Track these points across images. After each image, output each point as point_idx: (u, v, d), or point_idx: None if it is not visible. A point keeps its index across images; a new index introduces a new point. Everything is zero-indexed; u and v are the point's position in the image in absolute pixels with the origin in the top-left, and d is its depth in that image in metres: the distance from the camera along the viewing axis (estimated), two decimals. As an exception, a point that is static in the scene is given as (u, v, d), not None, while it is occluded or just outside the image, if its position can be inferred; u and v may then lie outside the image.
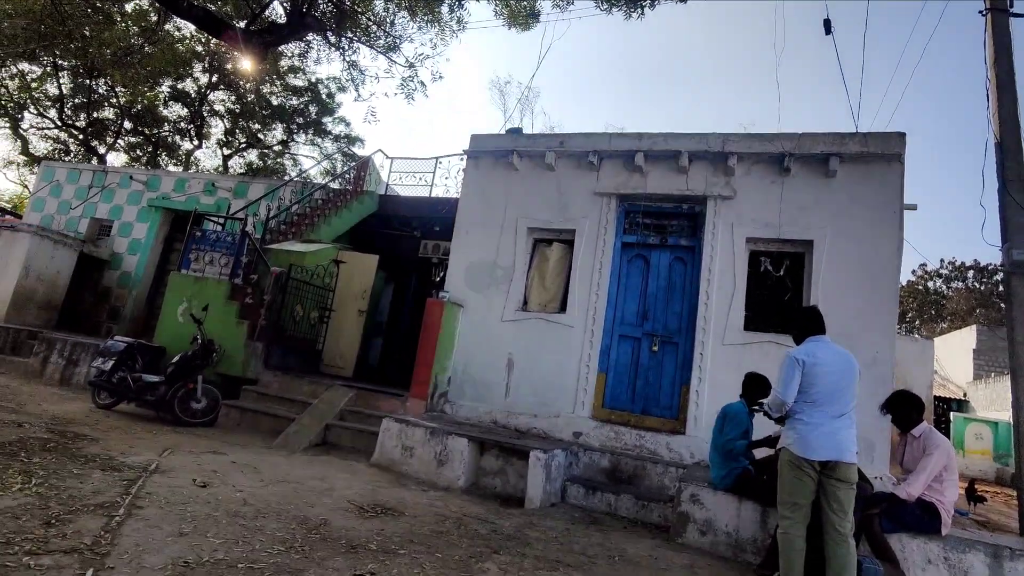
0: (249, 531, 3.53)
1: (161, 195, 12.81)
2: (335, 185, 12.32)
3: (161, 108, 22.07)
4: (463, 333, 7.66)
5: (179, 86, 21.83)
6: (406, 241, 11.83)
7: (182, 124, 23.61)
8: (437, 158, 12.46)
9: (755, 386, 5.05)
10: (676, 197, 7.23)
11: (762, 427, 5.02)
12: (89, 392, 7.44)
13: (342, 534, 3.78)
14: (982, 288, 32.90)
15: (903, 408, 4.30)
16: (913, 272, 35.17)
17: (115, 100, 20.84)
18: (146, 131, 22.95)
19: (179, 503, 3.85)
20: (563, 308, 7.42)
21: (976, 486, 9.50)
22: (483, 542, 4.11)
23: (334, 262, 9.36)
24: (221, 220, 9.19)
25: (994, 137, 5.90)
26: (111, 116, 21.94)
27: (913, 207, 7.21)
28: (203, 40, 19.10)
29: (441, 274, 8.36)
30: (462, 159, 8.53)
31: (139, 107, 20.51)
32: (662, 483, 5.99)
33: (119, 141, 22.98)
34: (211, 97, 23.83)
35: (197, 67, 21.21)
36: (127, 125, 22.43)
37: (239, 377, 7.91)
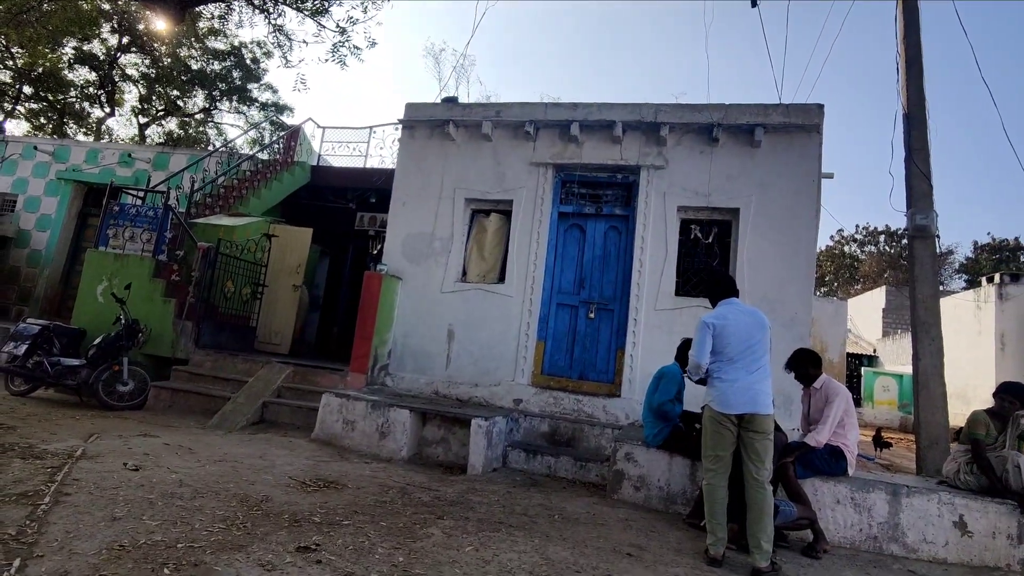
0: (188, 511, 3.48)
1: (72, 167, 11.95)
2: (264, 156, 11.84)
3: (65, 72, 20.36)
4: (402, 305, 7.63)
5: (85, 48, 20.17)
6: (341, 213, 11.57)
7: (90, 90, 21.91)
8: (371, 127, 12.18)
9: (688, 351, 5.28)
10: (611, 167, 7.37)
11: (695, 388, 5.30)
12: (1, 379, 7.00)
13: (284, 509, 3.77)
14: (892, 251, 35.28)
15: (803, 365, 4.65)
16: (831, 237, 37.29)
17: (11, 62, 19.07)
18: (49, 97, 21.18)
19: (110, 488, 3.73)
20: (502, 278, 7.50)
21: (882, 433, 10.34)
22: (427, 509, 4.20)
23: (265, 236, 9.06)
24: (141, 193, 8.69)
25: (902, 109, 6.30)
26: (7, 80, 20.10)
27: (830, 175, 7.65)
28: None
29: (378, 246, 8.25)
30: (397, 129, 8.38)
31: (40, 70, 18.85)
32: (599, 444, 6.24)
33: (18, 108, 21.14)
34: (122, 60, 22.18)
35: (105, 27, 19.63)
36: (27, 90, 20.63)
37: (168, 357, 7.63)
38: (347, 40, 11.20)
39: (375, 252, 9.53)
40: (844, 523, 4.50)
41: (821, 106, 6.73)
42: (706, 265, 7.01)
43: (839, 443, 4.53)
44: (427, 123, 8.02)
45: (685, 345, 5.27)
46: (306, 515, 3.70)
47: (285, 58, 12.51)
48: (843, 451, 4.53)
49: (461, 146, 7.90)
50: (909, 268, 6.11)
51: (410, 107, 8.18)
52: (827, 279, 38.05)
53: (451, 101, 8.15)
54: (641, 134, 7.25)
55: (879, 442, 10.12)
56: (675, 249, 6.99)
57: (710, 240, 7.05)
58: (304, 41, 12.11)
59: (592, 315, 7.19)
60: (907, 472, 6.73)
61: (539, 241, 7.37)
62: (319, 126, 12.49)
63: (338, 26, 11.26)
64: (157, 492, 3.77)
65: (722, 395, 3.87)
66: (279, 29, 11.47)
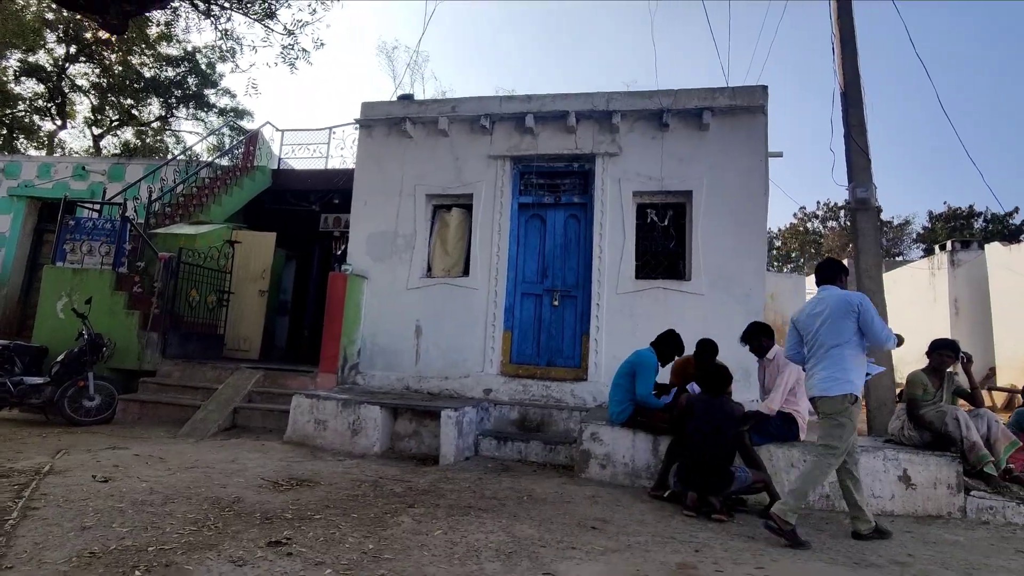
0: (158, 517, 3.53)
1: (23, 182, 11.67)
2: (224, 162, 11.72)
3: (11, 85, 19.79)
4: (369, 304, 7.69)
5: (31, 59, 19.63)
6: (305, 216, 11.52)
7: (40, 102, 21.32)
8: (331, 128, 12.12)
9: (668, 344, 5.31)
10: (567, 156, 7.51)
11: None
12: (-37, 402, 6.88)
13: (256, 508, 3.84)
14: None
15: (756, 337, 4.86)
16: (794, 215, 38.08)
17: (-47, 78, 18.49)
18: (-4, 112, 20.58)
19: (79, 500, 3.76)
20: (466, 272, 7.60)
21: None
22: (398, 499, 4.30)
23: (228, 243, 9.00)
24: (97, 206, 8.57)
25: (839, 87, 6.55)
26: (-50, 96, 19.47)
27: (779, 154, 7.90)
28: (53, 7, 17.21)
29: (343, 247, 8.28)
30: (356, 128, 8.39)
31: (-16, 85, 18.31)
32: (568, 427, 6.40)
33: (-36, 124, 20.49)
34: (71, 71, 21.62)
35: (50, 37, 19.12)
36: (-28, 106, 20.00)
37: (135, 370, 7.57)
38: (295, 43, 11.12)
39: (339, 252, 9.54)
40: (798, 485, 4.72)
41: (765, 87, 6.95)
42: (664, 247, 7.22)
43: (791, 410, 4.76)
44: (384, 121, 8.06)
45: (666, 337, 5.34)
46: (278, 512, 3.78)
47: (235, 63, 12.32)
48: (795, 417, 4.76)
49: (419, 143, 7.96)
50: (853, 240, 6.39)
51: (366, 106, 8.21)
52: (793, 256, 38.88)
53: (407, 98, 8.21)
54: (594, 123, 7.40)
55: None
56: (633, 233, 7.17)
57: (666, 223, 7.25)
58: (253, 46, 12.01)
59: (556, 303, 7.35)
60: (862, 434, 7.04)
61: (501, 233, 7.49)
62: (277, 129, 12.40)
63: (286, 28, 11.18)
64: (127, 501, 3.81)
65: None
66: (227, 34, 11.33)
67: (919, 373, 4.79)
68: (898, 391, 5.42)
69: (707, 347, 5.41)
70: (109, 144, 24.11)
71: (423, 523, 3.74)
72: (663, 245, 7.23)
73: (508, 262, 7.46)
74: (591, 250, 7.23)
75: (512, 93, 7.73)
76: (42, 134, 22.38)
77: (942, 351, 4.80)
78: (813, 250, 38.00)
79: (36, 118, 22.13)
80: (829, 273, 4.11)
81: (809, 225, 37.90)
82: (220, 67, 23.50)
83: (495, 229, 7.50)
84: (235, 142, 15.11)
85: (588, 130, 7.43)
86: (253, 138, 11.87)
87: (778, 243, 40.11)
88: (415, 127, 7.93)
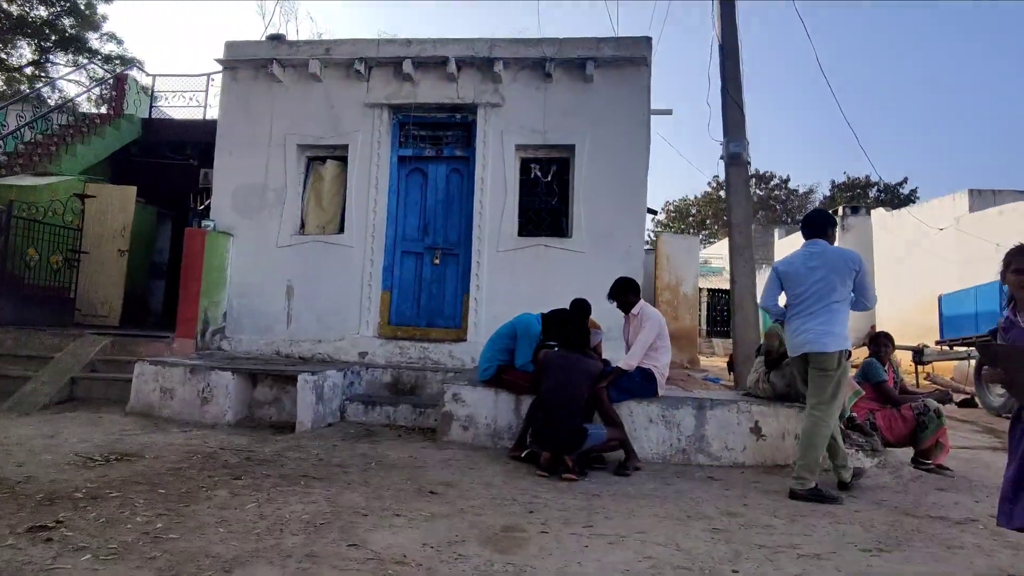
0: (-97, 506, 3.00)
1: None
2: (85, 108, 10.51)
3: None
4: (235, 263, 7.10)
5: None
6: (182, 171, 10.55)
7: None
8: (209, 75, 11.10)
9: (558, 326, 4.79)
10: (448, 106, 7.10)
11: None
12: None
13: (44, 488, 3.36)
14: (761, 193, 37.77)
15: (623, 293, 4.74)
16: (709, 184, 39.18)
17: None
18: None
19: None
20: (342, 229, 7.12)
21: (733, 358, 11.11)
22: (227, 471, 3.92)
23: (77, 196, 8.06)
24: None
25: (718, 39, 6.44)
26: None
27: (668, 112, 7.79)
28: None
29: (206, 202, 7.57)
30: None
31: None
32: (441, 390, 6.13)
33: None
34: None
35: None
36: None
37: (-41, 338, 6.68)
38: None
39: (202, 208, 8.78)
40: (657, 440, 4.70)
41: (649, 39, 6.76)
42: (547, 203, 6.99)
43: (650, 366, 4.68)
44: (251, 63, 7.35)
45: (558, 318, 4.89)
46: (68, 492, 3.32)
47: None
48: (654, 373, 4.68)
49: (290, 88, 7.32)
50: (726, 195, 6.38)
51: (230, 46, 7.45)
52: (707, 223, 40.18)
53: (276, 39, 7.48)
54: (476, 70, 7.01)
55: (731, 367, 10.86)
56: (515, 189, 6.90)
57: (549, 179, 7.03)
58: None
59: (437, 261, 7.02)
60: (731, 388, 7.22)
61: (378, 187, 7.04)
62: (148, 74, 11.24)
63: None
64: None
65: (788, 341, 4.04)
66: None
67: (777, 326, 4.81)
68: (759, 345, 5.49)
69: (578, 307, 5.24)
70: (-29, 90, 21.52)
71: (240, 496, 3.39)
72: (546, 201, 7.02)
73: (387, 218, 7.04)
74: (473, 206, 6.91)
75: (391, 36, 7.19)
76: None
77: None
78: (726, 218, 39.40)
79: None
80: (818, 226, 4.05)
81: (722, 193, 39.13)
82: (102, 8, 21.38)
83: (372, 183, 7.03)
84: (95, 86, 13.65)
85: (470, 79, 7.02)
86: (119, 82, 10.69)
87: (694, 210, 41.35)
88: (285, 71, 7.26)
